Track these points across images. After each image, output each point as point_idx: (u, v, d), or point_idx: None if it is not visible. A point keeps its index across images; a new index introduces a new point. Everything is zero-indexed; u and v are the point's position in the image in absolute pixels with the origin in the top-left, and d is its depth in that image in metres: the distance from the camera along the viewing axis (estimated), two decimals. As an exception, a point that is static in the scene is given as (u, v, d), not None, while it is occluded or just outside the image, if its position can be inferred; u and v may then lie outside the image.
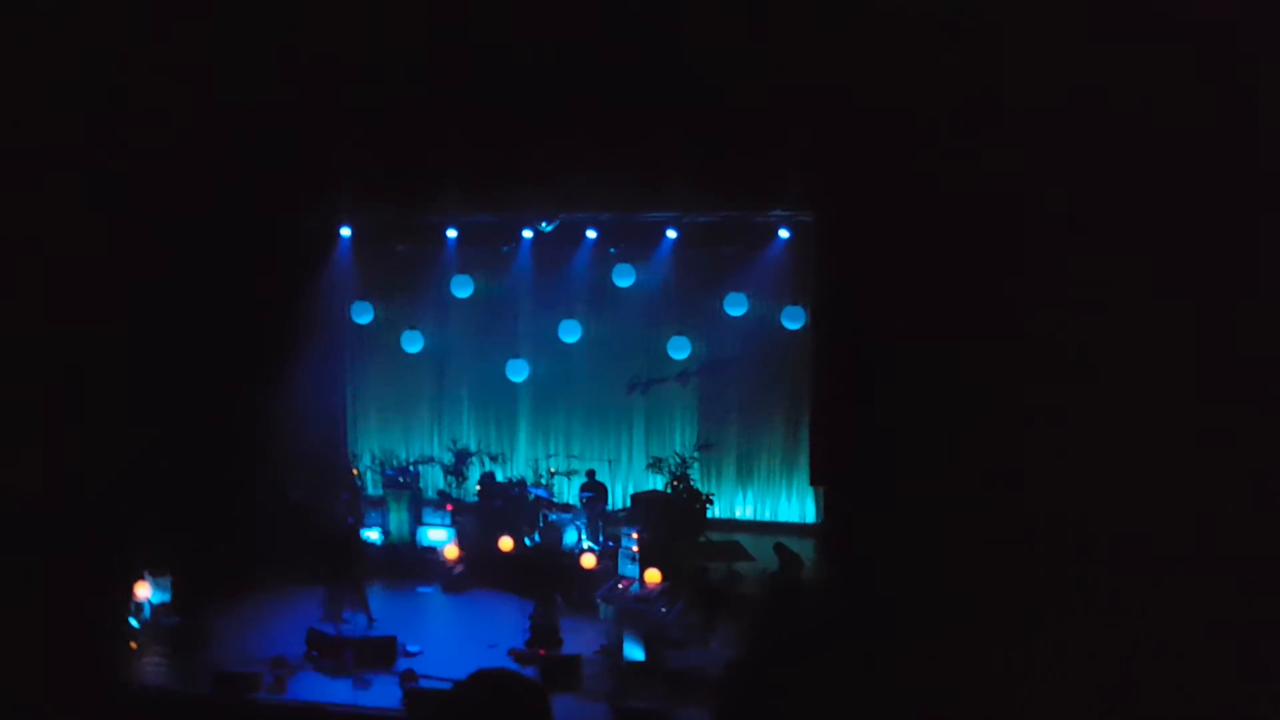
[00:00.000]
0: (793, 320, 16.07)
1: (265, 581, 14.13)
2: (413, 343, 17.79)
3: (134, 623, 12.56)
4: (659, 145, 11.60)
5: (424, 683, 11.23)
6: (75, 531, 11.58)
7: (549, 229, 16.66)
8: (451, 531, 15.50)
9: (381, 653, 11.93)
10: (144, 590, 12.72)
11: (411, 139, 12.23)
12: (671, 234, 16.71)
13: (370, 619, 12.99)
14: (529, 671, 10.91)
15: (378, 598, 13.65)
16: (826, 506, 13.53)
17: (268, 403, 15.30)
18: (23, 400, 10.56)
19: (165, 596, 12.85)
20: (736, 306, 16.55)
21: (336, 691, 11.27)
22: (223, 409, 14.01)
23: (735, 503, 17.63)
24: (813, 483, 15.40)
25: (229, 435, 14.14)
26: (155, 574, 12.79)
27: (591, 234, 17.05)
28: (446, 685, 11.06)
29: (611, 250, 17.18)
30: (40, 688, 8.98)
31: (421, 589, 14.58)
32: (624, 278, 17.03)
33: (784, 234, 16.18)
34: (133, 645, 12.26)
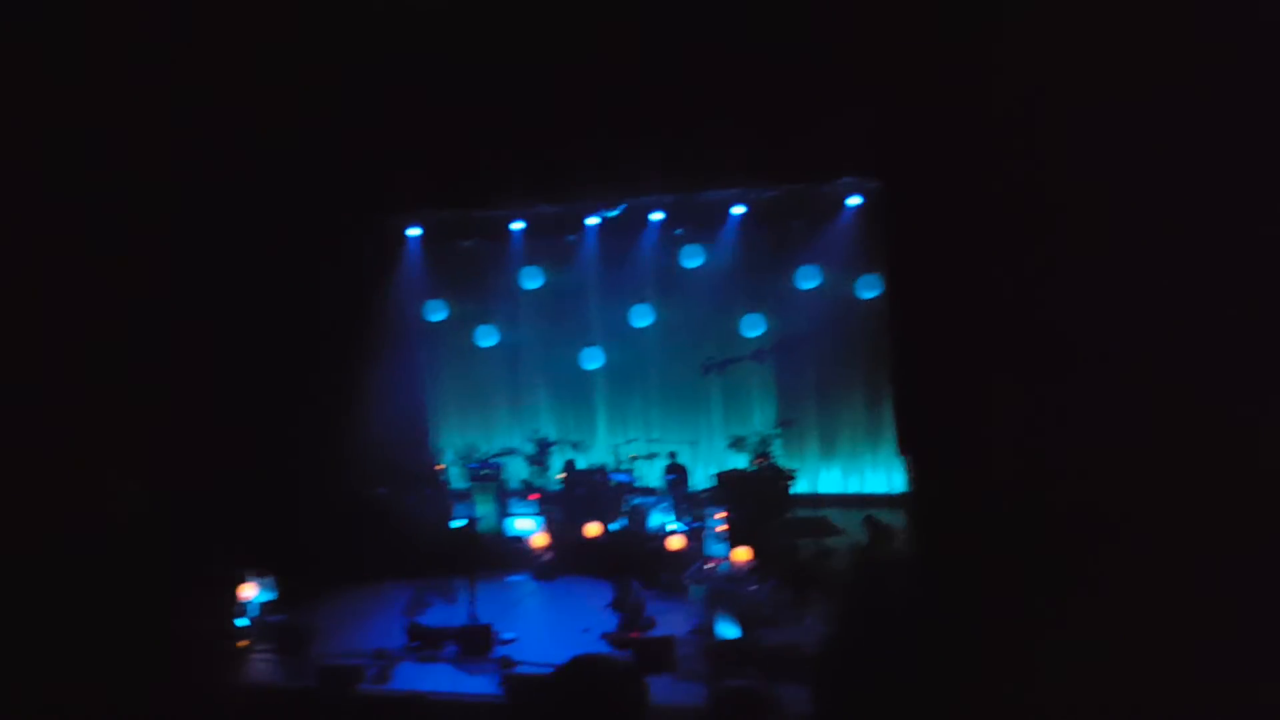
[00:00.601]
0: (868, 289, 15.90)
1: (362, 577, 14.37)
2: (487, 337, 17.95)
3: (241, 623, 12.91)
4: (718, 121, 11.54)
5: (521, 669, 11.35)
6: (180, 538, 11.92)
7: (614, 215, 16.66)
8: (539, 520, 15.62)
9: (479, 641, 12.09)
10: (249, 590, 13.06)
11: (470, 134, 12.32)
12: (738, 210, 16.61)
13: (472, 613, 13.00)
14: (623, 654, 10.97)
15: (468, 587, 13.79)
16: (915, 476, 13.37)
17: (352, 404, 15.59)
18: (119, 412, 10.86)
19: (269, 596, 13.17)
20: (809, 279, 16.42)
21: (437, 680, 11.45)
22: (309, 412, 14.31)
23: (820, 477, 17.51)
24: (899, 452, 15.23)
25: (316, 438, 14.44)
26: (258, 575, 13.12)
27: (657, 216, 17.01)
28: (543, 670, 11.19)
29: (678, 231, 17.13)
30: (156, 690, 9.24)
31: (512, 578, 14.72)
32: (692, 258, 16.98)
33: (853, 201, 15.99)
34: (241, 644, 12.59)
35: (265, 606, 13.12)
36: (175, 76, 9.62)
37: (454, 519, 15.91)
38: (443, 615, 12.80)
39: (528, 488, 17.28)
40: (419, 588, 13.93)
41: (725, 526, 13.79)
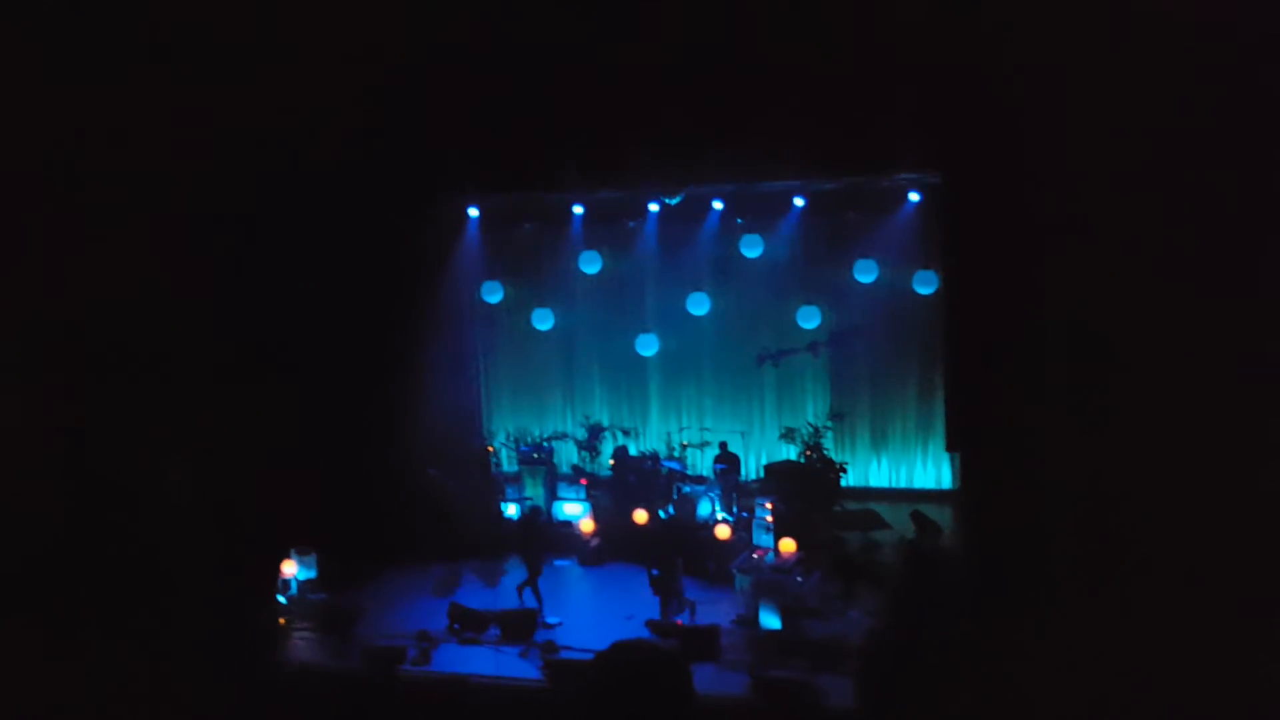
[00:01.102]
0: (925, 285, 15.76)
1: (407, 558, 14.53)
2: (543, 320, 18.01)
3: (282, 599, 13.07)
4: (780, 113, 11.51)
5: (564, 654, 11.44)
6: (226, 512, 12.10)
7: (675, 202, 16.65)
8: (587, 506, 15.69)
9: (522, 625, 12.18)
10: (290, 568, 13.21)
11: (536, 118, 12.37)
12: (799, 202, 16.54)
13: (539, 602, 13.01)
14: (668, 642, 11.02)
15: (516, 571, 13.95)
16: (963, 472, 13.30)
17: (404, 383, 15.73)
18: (170, 394, 11.06)
19: (311, 573, 13.33)
20: (866, 273, 16.30)
21: (479, 663, 11.55)
22: (361, 391, 14.45)
23: (870, 471, 17.43)
24: (949, 448, 15.13)
25: (368, 417, 14.57)
26: (300, 552, 13.28)
27: (718, 205, 16.98)
28: (586, 656, 11.25)
29: (738, 221, 17.08)
30: (198, 664, 9.42)
31: (558, 562, 14.80)
32: (752, 248, 16.93)
33: (914, 197, 15.86)
34: (281, 622, 12.75)
35: (305, 585, 13.31)
36: (233, 66, 9.78)
37: (504, 502, 16.05)
38: (485, 598, 12.92)
39: (577, 473, 17.36)
40: (451, 570, 14.10)
41: (773, 517, 13.78)
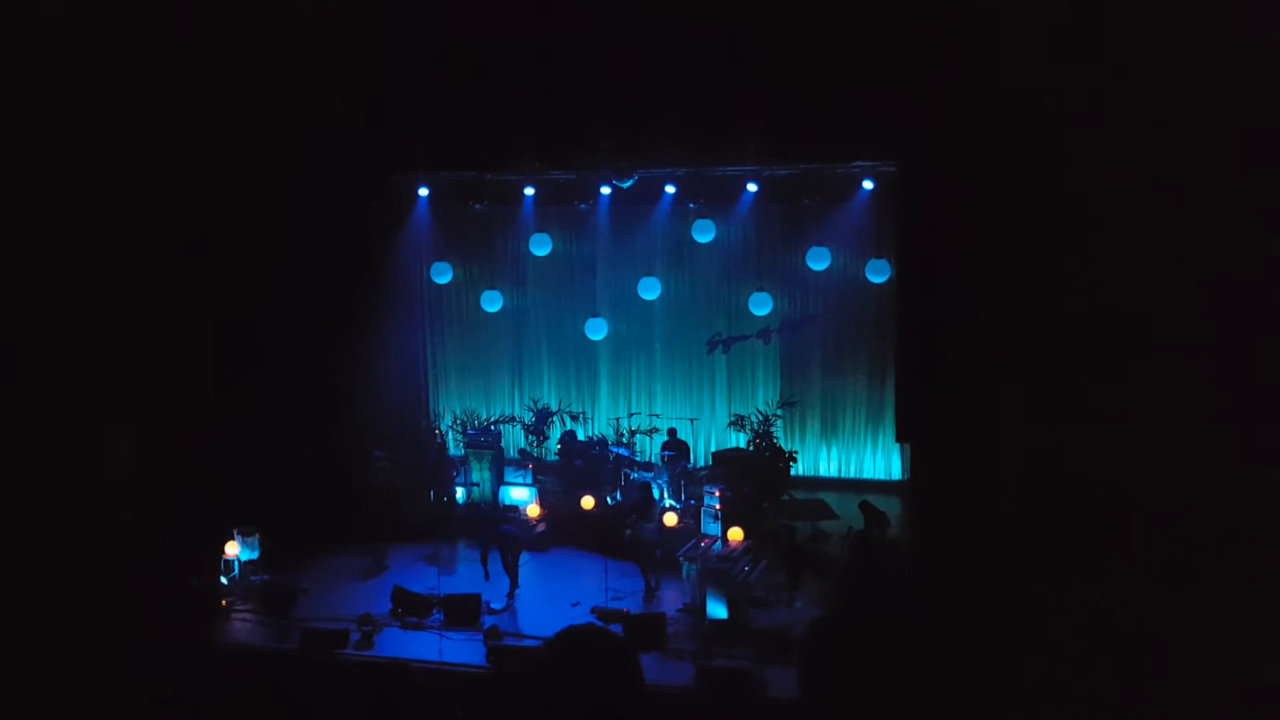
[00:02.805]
0: (877, 274, 15.89)
1: (350, 540, 14.44)
2: (492, 302, 17.93)
3: (223, 580, 12.98)
4: (736, 97, 11.53)
5: (509, 640, 11.43)
6: (167, 491, 11.97)
7: (627, 185, 16.65)
8: (533, 490, 15.68)
9: (466, 610, 12.15)
10: (233, 548, 13.11)
11: (488, 98, 12.31)
12: (752, 188, 16.58)
13: (513, 589, 13.04)
14: (614, 629, 11.06)
15: (460, 554, 13.91)
16: (912, 463, 13.43)
17: (351, 364, 15.62)
18: (109, 365, 10.90)
19: (254, 554, 13.23)
20: (820, 260, 16.40)
21: (422, 648, 11.52)
22: (307, 371, 14.34)
23: (819, 460, 17.56)
24: (898, 439, 15.27)
25: (312, 397, 14.47)
26: (244, 533, 13.17)
27: (670, 189, 16.99)
28: (531, 643, 11.27)
29: (691, 205, 17.10)
30: (134, 643, 9.31)
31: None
32: (704, 233, 16.95)
33: (868, 185, 15.96)
34: (223, 603, 12.67)
35: (248, 565, 13.20)
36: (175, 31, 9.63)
37: (451, 485, 16.00)
38: (429, 582, 12.88)
39: (525, 457, 17.34)
40: (396, 553, 14.07)
41: (721, 505, 13.85)
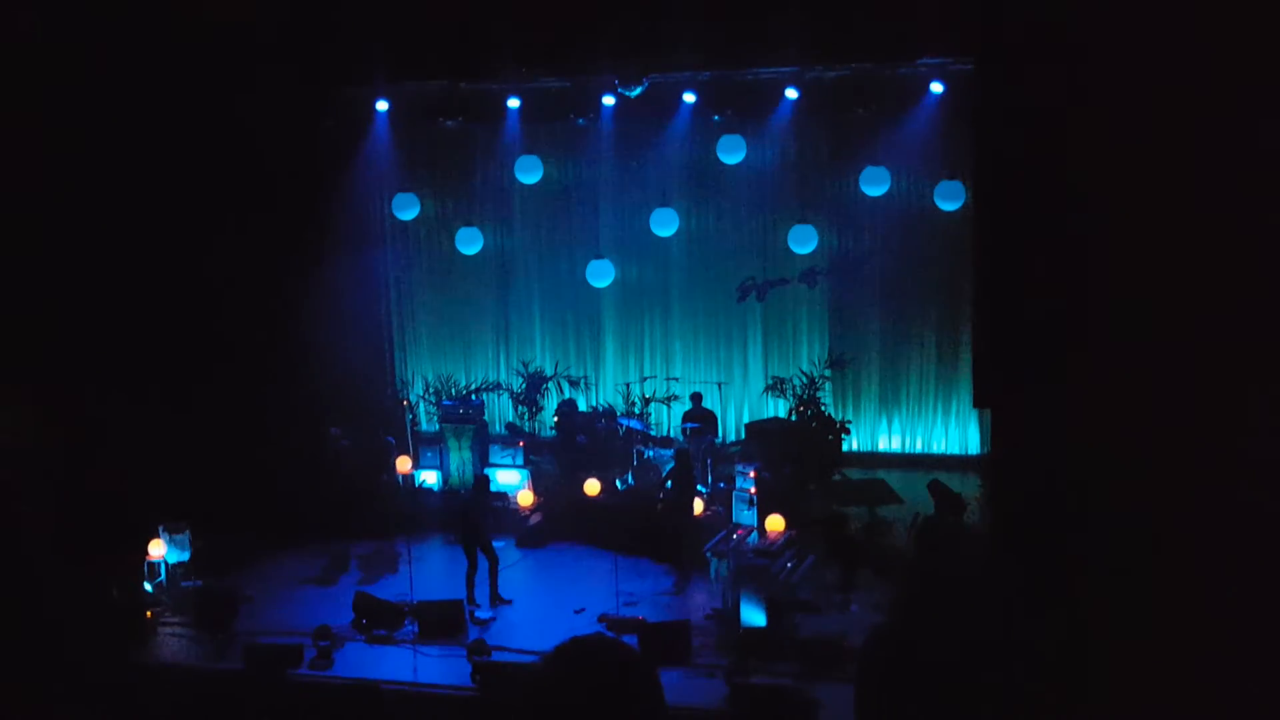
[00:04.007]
0: (949, 199, 15.79)
1: (302, 537, 14.49)
2: (470, 242, 17.88)
3: (148, 587, 13.03)
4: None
5: (498, 656, 11.47)
6: (75, 480, 11.99)
7: (635, 94, 16.54)
8: (525, 474, 15.69)
9: (446, 620, 12.19)
10: (159, 548, 13.15)
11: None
12: (791, 94, 16.47)
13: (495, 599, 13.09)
14: (627, 640, 11.08)
15: (436, 553, 13.95)
16: (993, 434, 13.39)
17: (297, 320, 15.59)
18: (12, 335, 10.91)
19: (184, 555, 13.27)
20: (876, 184, 16.30)
21: (393, 666, 11.57)
22: (244, 330, 14.31)
23: (877, 431, 17.56)
24: (976, 404, 15.21)
25: (251, 362, 14.45)
26: (171, 529, 13.20)
27: (689, 98, 16.88)
28: (526, 659, 11.31)
29: (716, 118, 17.01)
30: (36, 667, 9.36)
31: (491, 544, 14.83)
32: (732, 153, 16.86)
33: (936, 88, 15.83)
34: (147, 615, 12.71)
35: (177, 569, 13.25)
36: None
37: (418, 470, 16.05)
38: (399, 586, 12.92)
39: (514, 433, 17.36)
40: (357, 552, 14.16)
41: (756, 489, 13.86)
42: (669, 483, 13.85)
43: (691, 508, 13.83)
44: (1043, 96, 7.20)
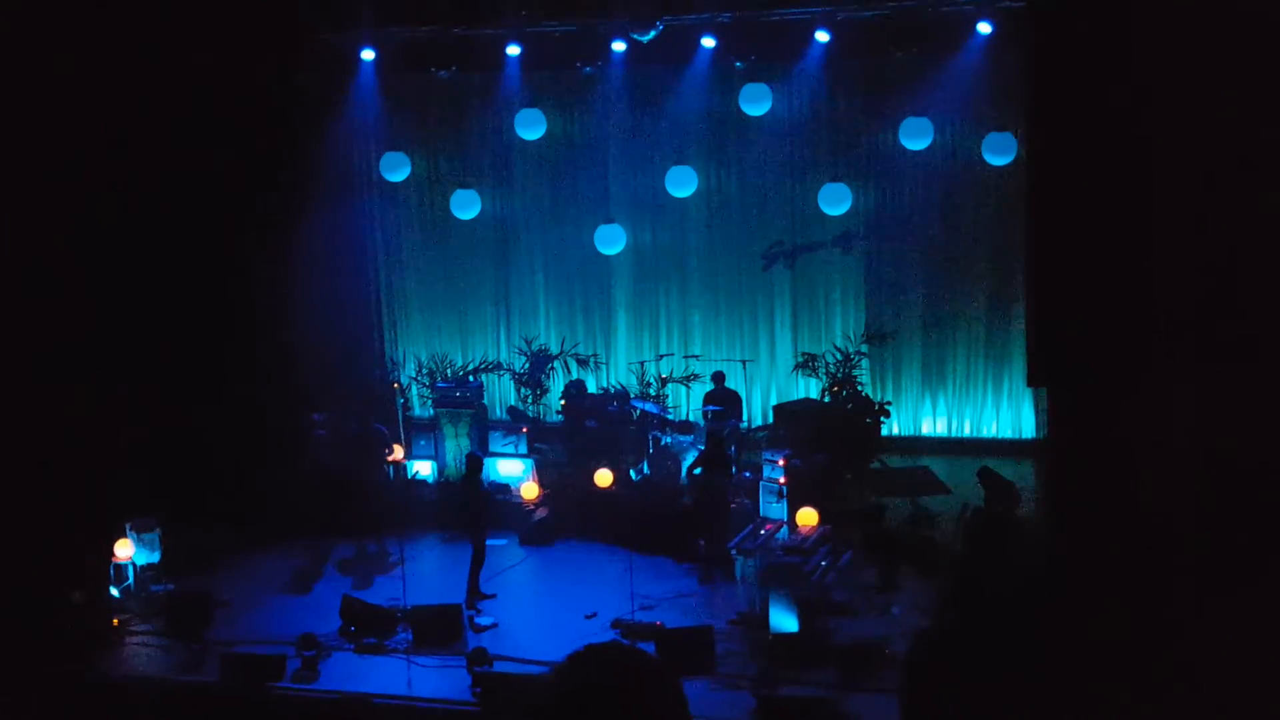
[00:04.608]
0: (998, 153, 15.74)
1: (284, 536, 14.54)
2: (466, 206, 17.87)
3: (114, 592, 13.07)
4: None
5: (501, 666, 11.51)
6: (34, 474, 12.04)
7: (648, 39, 16.52)
8: (529, 464, 15.72)
9: (443, 627, 12.22)
10: (126, 549, 13.19)
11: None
12: (823, 37, 16.42)
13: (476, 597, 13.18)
14: (645, 647, 11.11)
15: (431, 552, 13.99)
16: (1050, 417, 13.38)
17: (275, 294, 15.61)
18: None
19: (153, 556, 13.31)
20: (917, 137, 16.26)
21: (385, 678, 11.61)
22: (215, 306, 14.33)
23: (921, 414, 17.55)
24: (1031, 383, 15.20)
25: (225, 342, 14.47)
26: (139, 528, 13.24)
27: (709, 42, 16.85)
28: (534, 670, 11.34)
29: (738, 64, 16.97)
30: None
31: (491, 541, 14.86)
32: (757, 103, 16.83)
33: (984, 29, 15.77)
34: (113, 622, 12.76)
35: (145, 571, 13.29)
36: None
37: (410, 460, 16.08)
38: (390, 590, 12.95)
39: (517, 418, 17.37)
40: (342, 551, 14.21)
41: (786, 478, 13.86)
42: (698, 469, 13.82)
43: (725, 492, 13.77)
44: (1107, 35, 7.13)
